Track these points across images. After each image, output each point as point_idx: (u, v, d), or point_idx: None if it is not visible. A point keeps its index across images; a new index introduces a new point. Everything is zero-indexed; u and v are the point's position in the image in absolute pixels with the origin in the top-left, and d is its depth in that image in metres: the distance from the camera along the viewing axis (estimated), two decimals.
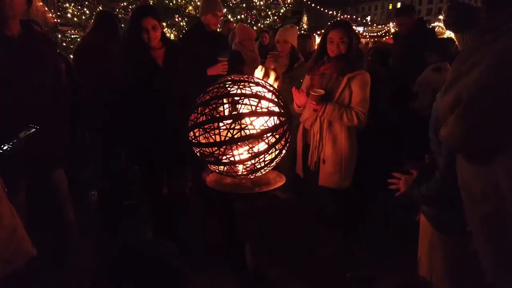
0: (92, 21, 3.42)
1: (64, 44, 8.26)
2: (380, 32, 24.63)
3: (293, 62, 3.53)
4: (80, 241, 2.45)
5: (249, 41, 4.41)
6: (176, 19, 7.59)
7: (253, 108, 1.91)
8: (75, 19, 7.94)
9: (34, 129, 1.70)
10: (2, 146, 1.57)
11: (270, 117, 1.93)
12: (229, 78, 2.06)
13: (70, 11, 7.94)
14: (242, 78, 2.04)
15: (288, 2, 9.84)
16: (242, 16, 8.52)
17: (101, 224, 3.38)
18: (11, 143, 1.59)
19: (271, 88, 2.06)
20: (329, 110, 2.52)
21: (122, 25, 6.61)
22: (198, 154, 2.04)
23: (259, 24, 8.83)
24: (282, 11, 9.45)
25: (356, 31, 23.21)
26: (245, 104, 1.93)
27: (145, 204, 3.15)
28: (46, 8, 12.79)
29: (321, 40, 2.73)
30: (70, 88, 2.30)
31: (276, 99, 2.00)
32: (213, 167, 2.05)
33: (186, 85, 2.75)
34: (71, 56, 7.50)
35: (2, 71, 1.81)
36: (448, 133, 1.08)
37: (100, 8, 7.62)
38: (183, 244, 2.87)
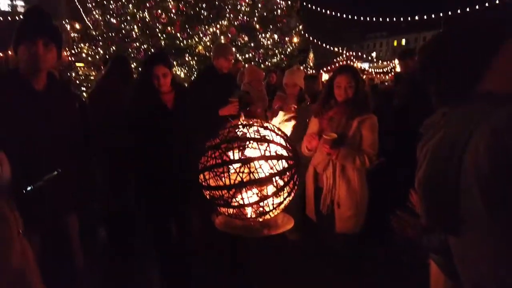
0: (108, 65, 3.58)
1: (77, 81, 8.54)
2: (386, 69, 25.01)
3: (299, 103, 3.62)
4: (87, 274, 2.45)
5: (258, 81, 4.55)
6: (186, 58, 7.85)
7: (262, 152, 1.96)
8: (89, 58, 8.24)
9: (56, 172, 1.76)
10: (26, 187, 1.62)
11: (278, 160, 1.98)
12: (239, 122, 2.13)
13: (85, 50, 8.25)
14: (251, 122, 2.11)
15: (294, 41, 10.15)
16: (250, 55, 8.77)
17: (108, 261, 3.39)
18: (35, 185, 1.64)
19: (279, 132, 2.12)
20: (343, 154, 2.55)
21: (134, 64, 6.86)
22: (207, 196, 2.08)
23: (266, 63, 9.06)
24: (289, 50, 9.73)
25: (362, 67, 23.70)
26: (254, 148, 1.98)
27: (152, 242, 3.15)
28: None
29: (327, 84, 2.80)
30: (83, 121, 2.38)
31: (284, 143, 2.06)
32: (222, 210, 2.08)
33: (195, 125, 2.85)
34: (84, 94, 7.74)
35: (26, 121, 1.88)
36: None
37: (114, 48, 7.93)
38: (189, 281, 2.88)
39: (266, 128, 2.09)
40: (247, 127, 2.06)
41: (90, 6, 8.53)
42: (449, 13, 15.75)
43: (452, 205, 1.10)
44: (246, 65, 7.24)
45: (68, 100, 2.17)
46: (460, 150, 1.05)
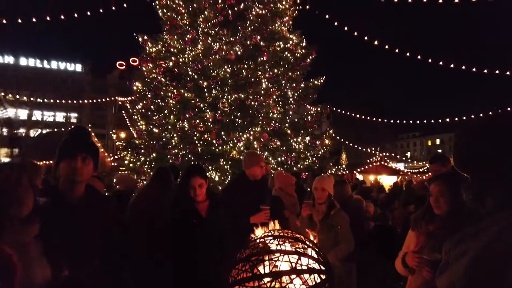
0: (152, 174, 3.82)
1: (117, 186, 8.93)
2: (422, 169, 24.61)
3: (330, 209, 3.59)
4: None
5: (289, 186, 4.60)
6: (221, 163, 8.14)
7: (293, 265, 1.90)
8: (131, 165, 8.74)
9: None
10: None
11: (310, 275, 1.90)
12: (269, 234, 2.12)
13: (127, 157, 8.79)
14: (282, 234, 2.09)
15: (326, 143, 10.35)
16: (282, 158, 8.96)
17: None
18: None
19: (311, 244, 2.07)
20: None
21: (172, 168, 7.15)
22: None
23: (298, 165, 9.18)
24: (320, 152, 9.90)
25: (397, 168, 23.40)
26: (285, 261, 1.93)
27: None
28: (106, 154, 14.26)
29: (428, 193, 2.55)
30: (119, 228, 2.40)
31: (316, 255, 2.00)
32: None
33: (227, 233, 2.88)
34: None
35: (58, 236, 1.87)
36: None
37: (154, 155, 8.42)
38: None
39: (297, 239, 2.06)
40: (278, 238, 2.04)
41: (136, 117, 9.32)
42: (481, 114, 15.89)
43: None
44: (279, 169, 7.39)
45: (104, 213, 2.20)
46: None
